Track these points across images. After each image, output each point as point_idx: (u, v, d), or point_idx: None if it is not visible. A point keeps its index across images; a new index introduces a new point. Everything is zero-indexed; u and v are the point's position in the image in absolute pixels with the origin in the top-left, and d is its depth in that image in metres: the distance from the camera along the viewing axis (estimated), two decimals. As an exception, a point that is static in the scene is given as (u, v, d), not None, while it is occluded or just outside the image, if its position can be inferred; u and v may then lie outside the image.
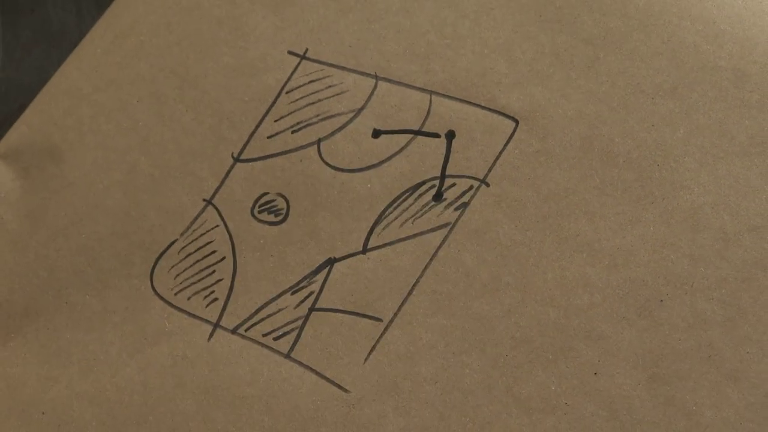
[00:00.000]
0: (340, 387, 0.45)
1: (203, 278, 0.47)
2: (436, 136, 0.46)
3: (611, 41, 0.45)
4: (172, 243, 0.48)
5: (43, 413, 0.47)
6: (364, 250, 0.46)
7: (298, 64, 0.48)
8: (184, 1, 0.49)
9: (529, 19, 0.46)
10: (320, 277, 0.46)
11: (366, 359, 0.45)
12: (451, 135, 0.46)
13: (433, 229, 0.45)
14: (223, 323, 0.46)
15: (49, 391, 0.47)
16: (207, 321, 0.47)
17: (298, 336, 0.46)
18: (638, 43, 0.44)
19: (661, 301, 0.42)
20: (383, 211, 0.46)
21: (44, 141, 0.49)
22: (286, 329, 0.46)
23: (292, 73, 0.48)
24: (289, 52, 0.48)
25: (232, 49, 0.48)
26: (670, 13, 0.44)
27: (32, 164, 0.49)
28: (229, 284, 0.47)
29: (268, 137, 0.47)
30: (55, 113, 0.49)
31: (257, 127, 0.47)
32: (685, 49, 0.44)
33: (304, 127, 0.47)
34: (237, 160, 0.47)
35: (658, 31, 0.44)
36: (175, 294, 0.47)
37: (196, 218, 0.47)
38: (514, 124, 0.45)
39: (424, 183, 0.46)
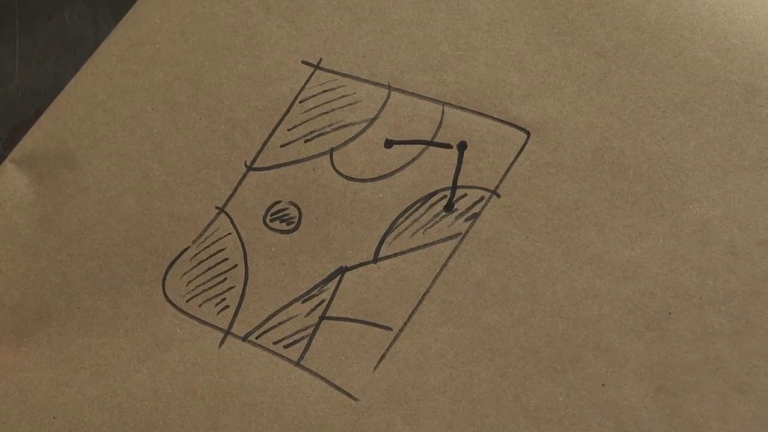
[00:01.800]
0: (349, 395, 0.45)
1: (215, 285, 0.47)
2: (448, 146, 0.46)
3: (623, 54, 0.45)
4: (185, 250, 0.48)
5: (54, 418, 0.47)
6: (375, 260, 0.46)
7: (312, 73, 0.48)
8: (200, 10, 0.49)
9: (542, 31, 0.46)
10: (331, 285, 0.46)
11: (375, 368, 0.45)
12: (462, 146, 0.46)
13: (443, 239, 0.45)
14: (234, 330, 0.47)
15: (60, 395, 0.47)
16: (218, 328, 0.47)
17: (309, 344, 0.46)
18: (650, 57, 0.45)
19: (670, 313, 0.43)
20: (394, 221, 0.46)
21: (59, 147, 0.49)
22: (296, 337, 0.46)
23: (305, 83, 0.48)
24: (303, 62, 0.48)
25: (247, 57, 0.49)
26: (682, 27, 0.45)
27: (46, 170, 0.49)
28: (241, 292, 0.47)
29: (281, 146, 0.48)
30: (70, 120, 0.49)
31: (270, 135, 0.48)
32: (697, 63, 0.44)
33: (317, 136, 0.47)
34: (250, 168, 0.48)
35: (670, 45, 0.45)
36: (187, 301, 0.47)
37: (208, 226, 0.48)
38: (525, 136, 0.45)
39: (435, 193, 0.46)
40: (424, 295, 0.45)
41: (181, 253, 0.48)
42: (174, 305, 0.47)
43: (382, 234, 0.46)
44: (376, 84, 0.47)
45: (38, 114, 0.50)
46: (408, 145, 0.46)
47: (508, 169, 0.45)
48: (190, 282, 0.48)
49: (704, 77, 0.44)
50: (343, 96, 0.47)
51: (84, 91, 0.49)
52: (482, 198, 0.45)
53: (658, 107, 0.44)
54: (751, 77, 0.44)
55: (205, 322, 0.47)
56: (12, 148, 0.50)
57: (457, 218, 0.45)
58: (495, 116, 0.46)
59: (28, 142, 0.50)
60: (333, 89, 0.47)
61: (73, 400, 0.47)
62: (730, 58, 0.44)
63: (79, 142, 0.49)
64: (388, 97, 0.47)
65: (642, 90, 0.45)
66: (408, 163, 0.46)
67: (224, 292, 0.47)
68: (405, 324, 0.45)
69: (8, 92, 0.54)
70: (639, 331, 0.43)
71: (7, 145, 0.52)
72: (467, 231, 0.45)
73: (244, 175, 0.48)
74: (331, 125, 0.47)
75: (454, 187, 0.46)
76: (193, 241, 0.48)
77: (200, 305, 0.47)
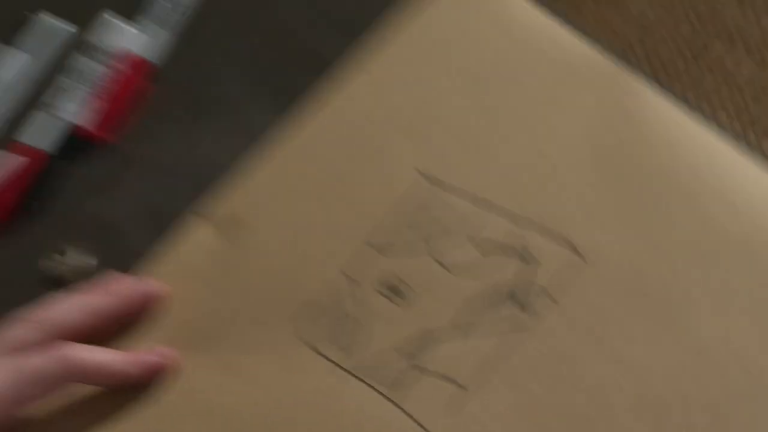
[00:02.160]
0: (429, 433, 0.56)
1: (335, 330, 0.59)
2: (522, 258, 0.58)
3: (658, 206, 0.58)
4: (316, 301, 0.60)
5: (214, 412, 0.57)
6: (459, 335, 0.58)
7: (422, 183, 0.61)
8: (345, 122, 0.64)
9: (597, 176, 0.59)
10: (424, 344, 0.58)
11: (451, 416, 0.56)
12: (533, 260, 0.58)
13: (511, 331, 0.57)
14: (344, 365, 0.58)
15: (220, 396, 0.58)
16: (332, 362, 0.58)
17: (402, 385, 0.57)
18: (676, 209, 0.57)
19: (669, 409, 0.54)
20: (477, 307, 0.58)
21: (239, 212, 0.62)
22: (393, 378, 0.57)
23: (416, 189, 0.61)
24: (418, 172, 0.61)
25: (375, 163, 0.62)
26: (704, 191, 0.57)
27: (228, 228, 0.61)
28: (354, 338, 0.58)
29: (393, 233, 0.60)
30: (250, 194, 0.62)
31: (386, 223, 0.60)
32: (709, 220, 0.56)
33: (421, 231, 0.60)
34: (369, 245, 0.60)
35: (692, 204, 0.57)
36: (313, 339, 0.58)
37: (334, 285, 0.60)
38: (579, 259, 0.57)
39: (509, 293, 0.58)
40: (493, 369, 0.56)
41: (313, 303, 0.60)
42: (303, 340, 0.59)
43: (468, 316, 0.58)
44: (471, 200, 0.60)
45: (221, 182, 0.63)
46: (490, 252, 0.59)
47: (564, 283, 0.57)
48: (316, 325, 0.59)
49: (714, 229, 0.56)
50: (444, 206, 0.60)
51: (263, 174, 0.63)
52: (544, 303, 0.57)
53: (677, 247, 0.56)
54: (750, 235, 0.56)
55: (323, 356, 0.58)
56: (203, 207, 0.62)
57: (523, 315, 0.57)
58: (558, 237, 0.58)
59: (216, 204, 0.63)
60: (437, 198, 0.60)
61: (229, 402, 0.58)
62: (734, 216, 0.56)
63: (253, 212, 0.62)
64: (477, 212, 0.60)
65: (667, 233, 0.57)
66: (489, 267, 0.58)
67: (341, 335, 0.58)
68: (478, 387, 0.56)
69: (198, 161, 0.67)
70: (646, 421, 0.53)
71: (198, 203, 0.64)
72: (530, 327, 0.57)
73: (364, 250, 0.60)
74: (432, 226, 0.60)
75: (523, 291, 0.57)
76: (323, 295, 0.60)
77: (322, 343, 0.59)
